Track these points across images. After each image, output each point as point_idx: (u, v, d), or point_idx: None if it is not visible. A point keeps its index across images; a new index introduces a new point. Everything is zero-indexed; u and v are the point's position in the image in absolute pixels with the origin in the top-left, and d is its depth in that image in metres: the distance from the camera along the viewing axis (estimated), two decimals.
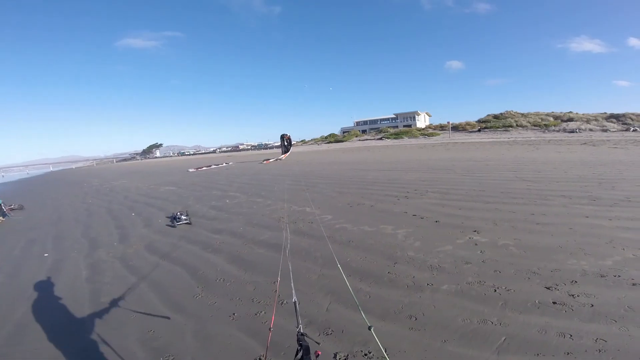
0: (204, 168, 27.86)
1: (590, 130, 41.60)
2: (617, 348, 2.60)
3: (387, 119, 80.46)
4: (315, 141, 74.08)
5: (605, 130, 40.37)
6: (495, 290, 3.60)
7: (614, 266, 4.02)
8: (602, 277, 3.74)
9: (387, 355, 2.63)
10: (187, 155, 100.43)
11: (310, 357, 1.51)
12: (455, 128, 57.11)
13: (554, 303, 3.28)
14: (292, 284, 2.30)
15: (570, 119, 48.69)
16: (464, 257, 4.54)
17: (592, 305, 3.19)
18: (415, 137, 53.88)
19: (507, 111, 58.96)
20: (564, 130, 43.32)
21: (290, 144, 37.75)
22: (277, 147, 77.46)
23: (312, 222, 7.00)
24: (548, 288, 3.57)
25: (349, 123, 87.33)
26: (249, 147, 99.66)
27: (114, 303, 4.14)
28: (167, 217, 8.78)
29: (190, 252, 5.96)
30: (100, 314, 3.90)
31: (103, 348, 3.20)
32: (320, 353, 1.59)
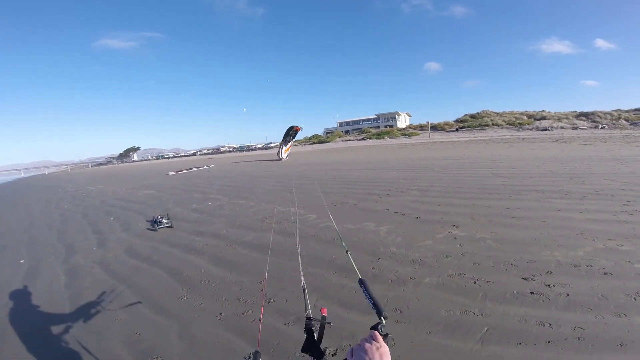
0: (184, 171, 27.19)
1: (562, 128, 43.77)
2: (595, 335, 2.73)
3: (369, 120, 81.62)
4: (299, 142, 73.93)
5: (576, 128, 42.60)
6: (475, 282, 3.74)
7: (585, 256, 4.24)
8: (575, 267, 3.94)
9: None
10: (166, 158, 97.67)
11: (316, 341, 1.45)
12: (435, 128, 58.63)
13: (532, 293, 3.43)
14: (300, 267, 2.30)
15: (543, 118, 51.07)
16: (444, 251, 4.70)
17: (568, 295, 3.35)
18: (397, 137, 54.85)
19: (483, 111, 61.11)
20: (537, 129, 45.36)
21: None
22: (259, 148, 76.89)
23: (295, 222, 7.02)
24: (525, 279, 3.73)
25: (332, 124, 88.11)
26: (231, 149, 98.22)
27: (96, 307, 4.03)
28: (147, 221, 8.58)
29: (173, 254, 5.85)
30: (82, 318, 3.78)
31: (86, 353, 3.12)
32: (325, 311, 1.57)
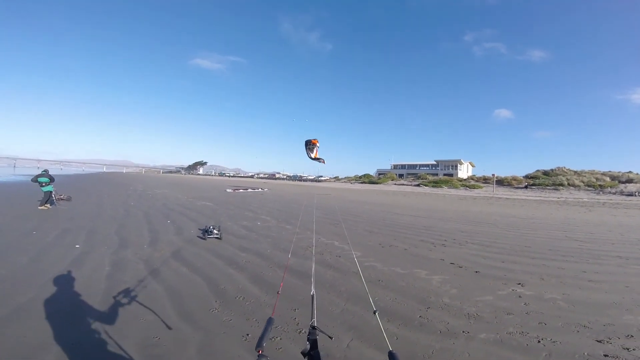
0: (241, 190, 28.89)
1: None
2: None
3: (427, 165, 79.22)
4: (348, 179, 74.33)
5: None
6: (539, 342, 3.28)
7: None
8: None
9: None
10: (227, 176, 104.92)
11: (317, 352, 1.44)
12: (500, 182, 54.50)
13: (606, 356, 3.01)
14: (312, 278, 2.28)
15: (630, 180, 44.64)
16: (505, 308, 4.14)
17: None
18: (456, 187, 52.04)
19: (558, 167, 55.59)
20: (622, 193, 39.60)
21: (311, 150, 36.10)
22: (311, 180, 78.94)
23: (339, 256, 6.84)
24: (600, 341, 3.29)
25: (386, 165, 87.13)
26: (285, 176, 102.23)
27: (126, 303, 4.10)
28: (199, 229, 9.10)
29: (215, 265, 5.98)
30: (107, 310, 3.86)
31: (97, 344, 3.11)
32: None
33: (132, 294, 4.42)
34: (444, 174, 70.70)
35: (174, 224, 10.10)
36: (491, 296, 4.63)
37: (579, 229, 12.22)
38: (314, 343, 1.48)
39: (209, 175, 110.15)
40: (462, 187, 51.80)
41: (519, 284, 5.22)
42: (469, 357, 3.02)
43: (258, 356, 1.26)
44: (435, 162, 77.47)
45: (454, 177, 64.64)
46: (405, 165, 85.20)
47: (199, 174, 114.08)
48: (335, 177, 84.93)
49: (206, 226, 8.79)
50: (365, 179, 69.77)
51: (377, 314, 1.72)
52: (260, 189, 32.77)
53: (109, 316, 3.73)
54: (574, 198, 35.72)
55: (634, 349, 3.05)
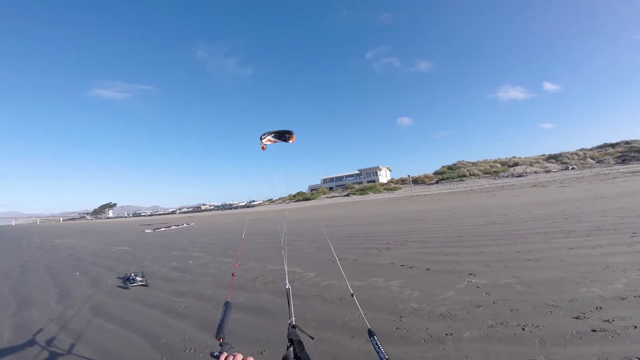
0: (163, 229, 25.82)
1: (535, 172, 46.01)
2: None
3: (352, 175, 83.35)
4: (282, 200, 73.55)
5: (548, 171, 44.88)
6: (523, 329, 3.24)
7: (627, 288, 3.98)
8: (624, 300, 3.64)
9: None
10: (144, 216, 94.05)
11: (304, 352, 1.28)
12: (415, 181, 60.27)
13: (594, 331, 3.07)
14: (285, 270, 2.15)
15: (516, 164, 53.81)
16: (472, 301, 4.12)
17: (636, 327, 3.05)
18: (380, 192, 55.66)
19: (459, 161, 64.02)
20: (512, 175, 47.45)
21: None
22: (242, 206, 75.65)
23: (293, 281, 6.27)
24: (577, 318, 3.37)
25: (317, 181, 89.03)
26: (212, 207, 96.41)
27: None
28: (119, 278, 7.84)
29: (149, 316, 5.04)
30: None
31: None
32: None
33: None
34: (367, 181, 75.37)
35: (86, 275, 8.62)
36: (452, 292, 4.63)
37: (494, 213, 13.86)
38: (298, 344, 1.31)
39: (122, 217, 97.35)
40: (385, 191, 55.71)
41: (471, 274, 5.39)
42: (466, 359, 2.81)
43: (220, 345, 1.16)
44: (358, 172, 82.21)
45: (377, 183, 69.37)
46: (333, 178, 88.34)
47: (109, 217, 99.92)
48: (269, 200, 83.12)
49: (126, 274, 7.54)
50: (300, 197, 69.86)
51: (354, 296, 1.72)
52: (185, 224, 29.91)
53: None
54: (478, 186, 41.36)
55: (612, 320, 3.20)
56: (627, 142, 48.82)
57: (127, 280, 7.17)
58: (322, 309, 4.55)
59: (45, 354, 3.90)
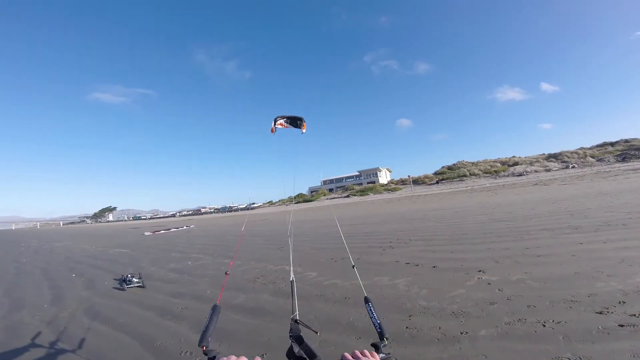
0: (162, 231, 25.52)
1: (536, 171, 45.86)
2: None
3: (352, 177, 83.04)
4: (283, 202, 73.27)
5: (549, 170, 44.75)
6: (544, 325, 3.03)
7: None
8: None
9: None
10: (144, 219, 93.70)
11: (307, 345, 1.15)
12: (416, 182, 60.05)
13: (621, 326, 2.86)
14: (290, 262, 2.16)
15: (516, 163, 53.67)
16: (485, 298, 3.91)
17: None
18: (380, 192, 55.41)
19: (459, 162, 63.86)
20: (513, 174, 47.26)
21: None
22: (242, 209, 75.22)
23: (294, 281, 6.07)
24: (600, 313, 3.16)
25: (317, 182, 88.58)
26: (212, 210, 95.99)
27: None
28: (115, 280, 7.68)
29: (144, 318, 4.85)
30: None
31: None
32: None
33: None
34: (368, 182, 75.09)
35: (82, 277, 8.45)
36: (463, 289, 4.42)
37: (497, 211, 13.67)
38: (298, 339, 1.21)
39: (122, 220, 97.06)
40: (385, 192, 55.47)
41: (480, 271, 5.19)
42: (485, 359, 2.60)
43: (204, 353, 1.03)
44: (358, 173, 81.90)
45: (377, 184, 69.07)
46: (333, 179, 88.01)
47: (109, 221, 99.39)
48: (269, 202, 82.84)
49: (123, 275, 7.38)
50: (300, 199, 69.59)
51: (355, 267, 1.73)
52: (185, 227, 29.65)
53: None
54: (479, 185, 41.14)
55: (639, 314, 3.02)
56: (626, 141, 48.71)
57: (124, 281, 7.00)
58: (325, 309, 4.33)
59: (34, 356, 3.72)
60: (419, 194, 42.10)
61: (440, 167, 65.14)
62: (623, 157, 42.23)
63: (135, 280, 6.95)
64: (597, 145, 52.61)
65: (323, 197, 65.83)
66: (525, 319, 3.20)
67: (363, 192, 58.15)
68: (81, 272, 9.24)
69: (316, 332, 1.49)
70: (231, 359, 0.88)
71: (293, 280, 1.72)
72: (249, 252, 10.29)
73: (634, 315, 3.00)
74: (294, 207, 56.37)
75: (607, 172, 30.43)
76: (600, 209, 10.06)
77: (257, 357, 0.91)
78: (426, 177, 61.08)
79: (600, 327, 2.85)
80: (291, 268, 1.86)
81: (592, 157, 46.63)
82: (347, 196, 59.19)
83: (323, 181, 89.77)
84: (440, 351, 2.83)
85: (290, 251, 2.16)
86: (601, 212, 9.42)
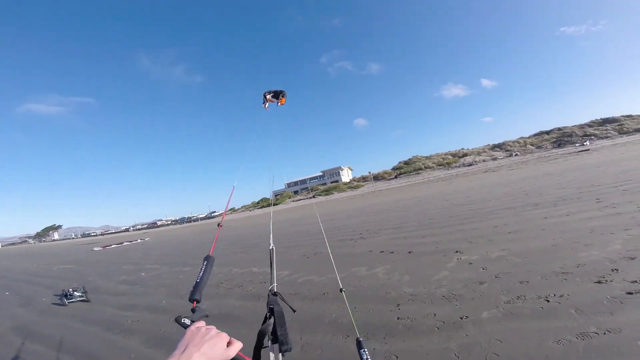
0: (114, 246, 23.38)
1: (484, 160, 49.26)
2: None
3: (316, 178, 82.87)
4: (246, 208, 71.10)
5: (495, 159, 48.24)
6: (547, 301, 2.81)
7: (628, 246, 3.82)
8: (634, 259, 3.40)
9: None
10: (94, 236, 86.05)
11: (285, 328, 0.98)
12: (376, 178, 61.61)
13: (630, 293, 2.70)
14: (270, 231, 1.69)
15: (465, 154, 57.33)
16: (472, 278, 3.69)
17: None
18: (344, 190, 55.94)
19: (414, 156, 66.78)
20: (464, 165, 50.33)
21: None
22: (202, 218, 71.79)
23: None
24: (599, 282, 3.03)
25: (281, 186, 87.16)
26: (170, 222, 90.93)
27: None
28: (56, 295, 6.87)
29: (88, 334, 4.25)
30: None
31: None
32: None
33: None
34: (331, 182, 75.47)
35: (18, 295, 7.69)
36: (446, 271, 4.20)
37: (456, 197, 14.11)
38: (280, 316, 1.02)
39: (69, 239, 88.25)
40: (348, 189, 56.14)
41: (457, 252, 5.05)
42: (504, 345, 2.28)
43: (192, 310, 0.86)
44: (321, 173, 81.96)
45: (340, 183, 69.68)
46: (297, 182, 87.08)
47: (54, 240, 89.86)
48: (231, 209, 79.85)
49: (64, 290, 6.56)
50: (264, 203, 67.91)
51: (343, 292, 1.49)
52: (139, 240, 27.48)
53: None
54: (434, 177, 43.14)
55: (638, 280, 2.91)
56: (559, 129, 54.20)
57: (64, 296, 6.31)
58: (304, 307, 3.86)
59: None
60: (380, 188, 43.10)
61: (397, 163, 67.55)
62: (558, 143, 46.87)
63: (77, 294, 6.30)
64: (535, 134, 57.91)
65: (288, 200, 64.93)
66: (524, 295, 3.00)
67: (328, 192, 58.30)
68: (17, 290, 8.34)
69: (294, 310, 1.34)
70: (201, 326, 0.70)
71: (273, 248, 1.53)
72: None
73: (635, 281, 2.89)
74: (256, 212, 54.96)
75: (547, 157, 33.49)
76: (552, 187, 10.71)
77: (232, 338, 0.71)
78: (385, 172, 62.88)
79: (609, 297, 2.69)
80: (271, 236, 1.59)
81: (532, 145, 51.18)
82: (313, 196, 59.03)
83: (287, 184, 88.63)
84: (444, 340, 2.49)
85: (271, 224, 1.73)
86: (554, 190, 10.00)
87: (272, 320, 1.06)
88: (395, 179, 55.83)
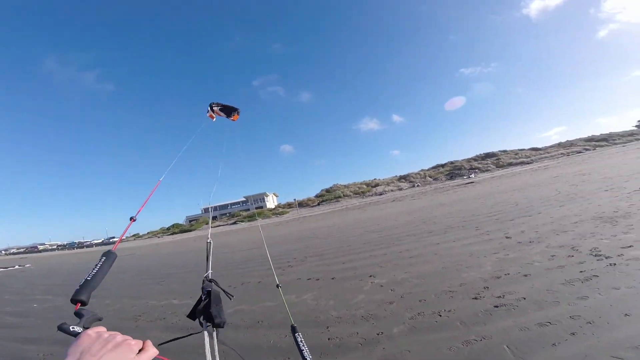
0: None
1: (392, 190, 55.35)
2: (588, 320, 2.96)
3: (238, 203, 79.80)
4: (153, 234, 63.99)
5: (401, 189, 54.72)
6: (440, 315, 3.63)
7: (495, 269, 4.94)
8: (499, 278, 4.50)
9: None
10: None
11: (220, 307, 1.17)
12: (301, 204, 63.12)
13: (496, 307, 3.58)
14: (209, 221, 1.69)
15: (377, 184, 63.66)
16: (383, 299, 4.47)
17: (525, 298, 3.68)
18: (269, 217, 55.37)
19: (334, 185, 71.13)
20: (375, 194, 55.63)
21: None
22: (98, 244, 61.83)
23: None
24: (475, 298, 3.94)
25: (197, 211, 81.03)
26: (55, 247, 75.91)
27: None
28: None
29: None
30: None
31: None
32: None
33: None
34: (256, 207, 73.85)
35: None
36: (362, 294, 4.92)
37: (369, 224, 15.74)
38: (216, 297, 1.20)
39: None
40: (273, 216, 55.86)
41: (371, 276, 5.88)
42: (412, 354, 2.94)
43: (76, 314, 0.72)
44: (244, 199, 79.55)
45: (265, 209, 68.75)
46: (216, 207, 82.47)
47: None
48: (134, 235, 70.66)
49: None
50: (175, 229, 62.19)
51: (280, 287, 1.71)
52: (17, 266, 22.83)
53: None
54: (351, 204, 46.47)
55: (503, 295, 3.77)
56: (452, 162, 64.71)
57: None
58: (239, 337, 4.07)
59: None
60: (304, 215, 44.30)
61: (320, 190, 70.65)
62: (451, 175, 55.68)
63: None
64: (432, 167, 67.90)
65: (205, 226, 60.92)
66: (423, 312, 3.81)
67: (251, 218, 56.93)
68: None
69: (230, 297, 1.45)
70: (101, 331, 0.60)
71: (210, 242, 1.69)
72: (115, 289, 8.64)
73: (500, 297, 3.85)
74: (166, 239, 50.06)
75: (442, 188, 39.67)
76: (443, 216, 12.95)
77: (147, 340, 0.64)
78: (309, 199, 64.98)
79: (482, 310, 3.57)
80: (209, 231, 1.92)
81: (430, 177, 59.72)
82: (234, 222, 56.76)
83: (204, 209, 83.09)
84: (367, 354, 3.08)
85: (210, 219, 2.06)
86: (444, 218, 12.13)
87: (207, 301, 1.14)
88: (318, 206, 57.99)
